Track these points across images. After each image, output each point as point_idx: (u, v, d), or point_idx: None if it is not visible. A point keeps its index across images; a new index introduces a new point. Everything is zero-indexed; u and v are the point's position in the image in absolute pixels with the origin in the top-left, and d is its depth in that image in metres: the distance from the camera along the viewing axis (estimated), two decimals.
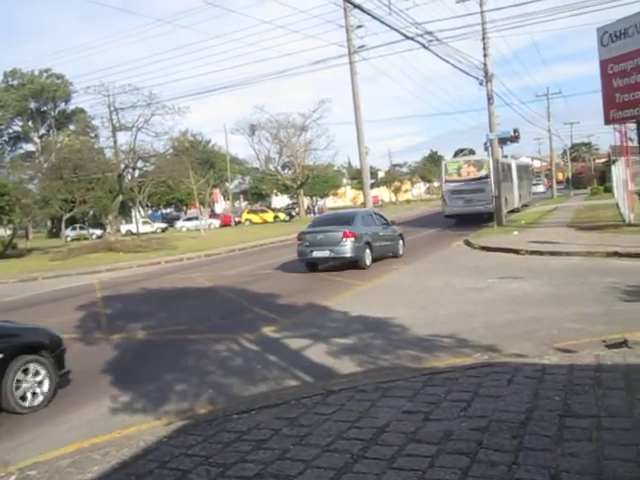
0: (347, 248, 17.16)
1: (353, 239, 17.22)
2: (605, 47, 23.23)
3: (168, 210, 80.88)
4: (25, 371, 7.09)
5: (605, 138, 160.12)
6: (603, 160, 79.51)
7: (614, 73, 22.89)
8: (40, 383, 7.22)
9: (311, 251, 17.62)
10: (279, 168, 65.45)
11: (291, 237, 35.02)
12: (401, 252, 20.25)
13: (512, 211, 36.41)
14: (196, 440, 5.16)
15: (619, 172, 28.00)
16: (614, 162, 33.89)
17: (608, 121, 24.06)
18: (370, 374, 7.17)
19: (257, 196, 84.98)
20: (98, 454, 5.14)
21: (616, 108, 23.01)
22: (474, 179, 31.76)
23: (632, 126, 26.95)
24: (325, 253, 17.39)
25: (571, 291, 11.43)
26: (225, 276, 18.62)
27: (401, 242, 20.54)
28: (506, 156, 47.02)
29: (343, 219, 18.77)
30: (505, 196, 31.94)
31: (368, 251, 17.77)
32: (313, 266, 18.14)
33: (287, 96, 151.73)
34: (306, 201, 75.14)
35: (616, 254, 15.32)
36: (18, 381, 6.98)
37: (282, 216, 61.34)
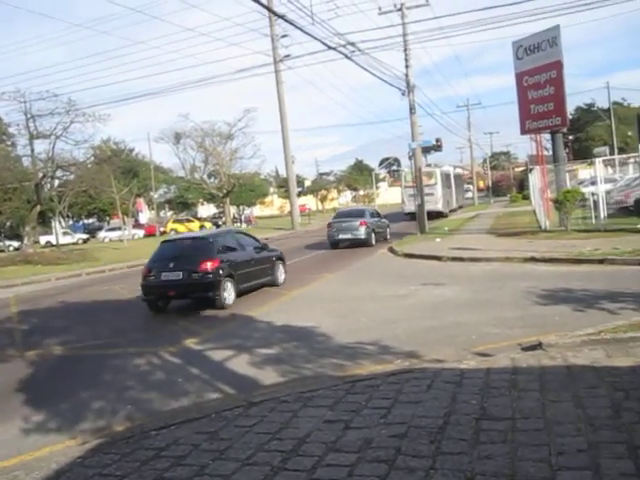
0: (362, 232, 25.41)
1: (365, 226, 25.61)
2: (520, 60, 24.20)
3: (90, 220, 78.56)
4: None
5: (523, 147, 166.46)
6: (521, 169, 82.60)
7: (529, 85, 23.87)
8: None
9: (338, 235, 25.84)
10: (205, 177, 64.70)
11: None
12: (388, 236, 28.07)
13: (452, 210, 48.17)
14: (112, 459, 4.98)
15: (535, 180, 29.14)
16: (531, 171, 35.28)
17: (524, 131, 25.06)
18: (293, 384, 7.14)
19: (183, 205, 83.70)
20: (5, 479, 4.88)
21: (531, 119, 23.99)
22: (426, 185, 36.37)
23: (547, 136, 28.16)
24: (347, 235, 25.69)
25: (490, 296, 11.75)
26: None
27: (388, 229, 28.84)
28: (430, 165, 50.15)
29: (357, 213, 27.43)
30: (447, 199, 45.43)
31: (373, 235, 26.00)
32: (337, 245, 26.08)
33: (213, 104, 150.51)
34: (232, 210, 74.59)
35: (533, 259, 15.87)
36: None
37: (208, 225, 60.69)
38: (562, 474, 3.94)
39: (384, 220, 28.85)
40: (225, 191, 58.62)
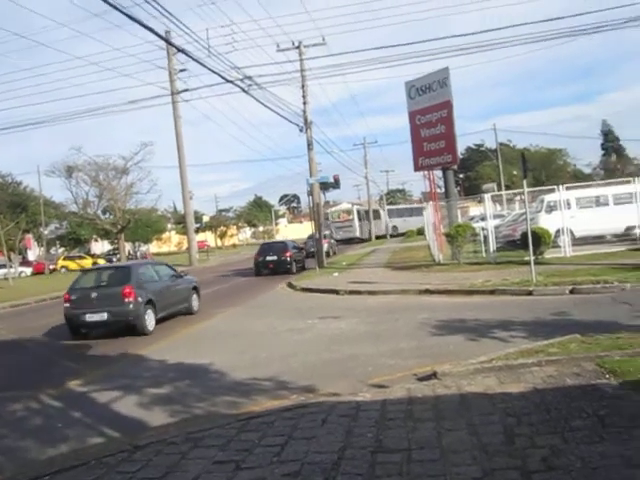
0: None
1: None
2: (413, 100, 25.05)
3: None
4: None
5: (417, 185, 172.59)
6: (416, 205, 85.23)
7: (421, 124, 24.70)
8: None
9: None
10: (99, 212, 62.50)
11: None
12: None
13: (380, 237, 65.89)
14: None
15: (429, 216, 30.05)
16: (425, 207, 36.41)
17: (417, 168, 25.82)
18: (183, 424, 6.75)
19: (75, 242, 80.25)
20: None
21: (424, 156, 24.77)
22: (346, 220, 61.71)
23: (440, 173, 29.16)
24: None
25: (386, 328, 11.78)
26: (32, 327, 17.01)
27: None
28: (328, 201, 53.83)
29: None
30: (365, 229, 63.95)
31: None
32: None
33: (108, 137, 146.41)
34: (128, 247, 72.31)
35: (428, 291, 16.17)
36: None
37: (102, 262, 58.38)
38: None
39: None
40: (120, 227, 56.77)
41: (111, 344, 12.93)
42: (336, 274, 24.06)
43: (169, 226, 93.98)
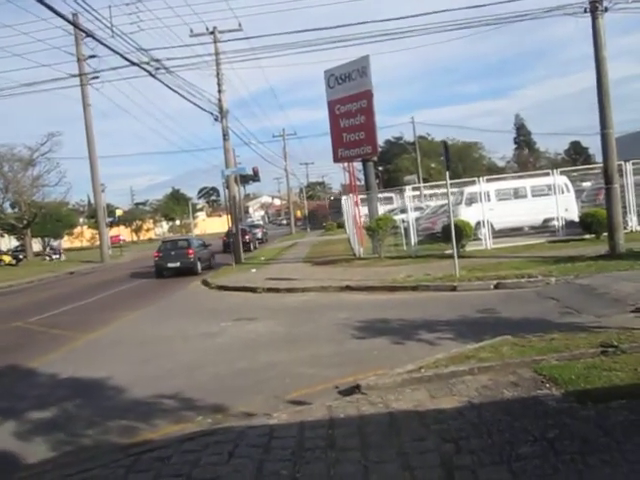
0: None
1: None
2: (332, 89, 24.29)
3: None
4: None
5: (337, 177, 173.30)
6: (336, 197, 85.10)
7: (341, 114, 23.98)
8: None
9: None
10: (6, 206, 58.71)
11: (19, 282, 31.07)
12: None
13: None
14: None
15: (349, 208, 29.47)
16: (345, 199, 35.88)
17: (337, 159, 25.10)
18: (64, 460, 5.67)
19: None
20: None
21: (344, 147, 24.07)
22: None
23: (360, 166, 28.62)
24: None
25: (305, 330, 10.95)
26: None
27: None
28: (248, 194, 50.74)
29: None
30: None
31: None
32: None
33: (11, 128, 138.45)
34: (38, 242, 68.61)
35: (348, 288, 15.46)
36: None
37: (7, 259, 54.91)
38: None
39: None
40: (26, 222, 53.59)
41: (1, 355, 11.49)
42: (254, 270, 23.08)
43: (81, 220, 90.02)
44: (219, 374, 8.41)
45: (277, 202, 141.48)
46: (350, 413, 5.75)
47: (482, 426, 5.04)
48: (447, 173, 15.27)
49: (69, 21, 20.64)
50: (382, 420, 5.48)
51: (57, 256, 55.82)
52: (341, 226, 48.48)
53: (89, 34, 19.64)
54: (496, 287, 13.27)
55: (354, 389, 6.63)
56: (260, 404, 6.76)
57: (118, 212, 72.63)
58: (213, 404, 6.95)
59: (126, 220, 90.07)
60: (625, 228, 17.94)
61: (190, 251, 26.57)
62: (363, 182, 29.88)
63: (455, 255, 15.00)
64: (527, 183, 23.21)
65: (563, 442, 4.55)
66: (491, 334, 8.42)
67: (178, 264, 26.05)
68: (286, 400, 6.80)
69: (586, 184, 26.36)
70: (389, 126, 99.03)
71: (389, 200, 39.33)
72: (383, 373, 7.00)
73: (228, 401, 7.00)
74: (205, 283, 20.78)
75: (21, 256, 57.69)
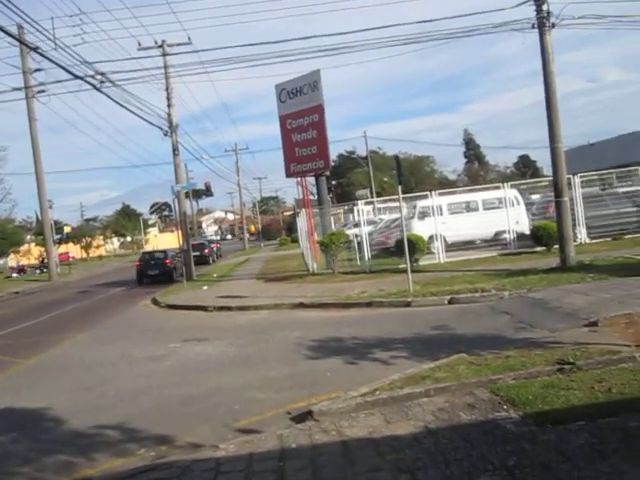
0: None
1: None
2: (283, 103, 24.12)
3: None
4: None
5: (291, 192, 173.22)
6: (290, 212, 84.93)
7: (293, 128, 23.81)
8: None
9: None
10: None
11: None
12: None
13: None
14: None
15: (302, 223, 29.22)
16: (298, 214, 35.64)
17: (289, 174, 24.88)
18: None
19: None
20: None
21: (296, 162, 23.90)
22: None
23: (313, 181, 28.44)
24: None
25: (256, 350, 10.60)
26: None
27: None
28: (201, 209, 50.33)
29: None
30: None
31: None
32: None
33: None
34: None
35: (302, 305, 15.17)
36: None
37: None
38: None
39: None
40: None
41: None
42: (205, 287, 22.56)
43: (28, 237, 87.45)
44: (164, 400, 8.00)
45: (230, 217, 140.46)
46: (302, 442, 5.45)
47: (439, 454, 4.80)
48: (399, 187, 15.17)
49: (15, 37, 19.94)
50: (335, 450, 5.20)
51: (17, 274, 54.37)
52: (295, 240, 48.22)
53: (33, 49, 19.01)
54: (450, 302, 13.16)
55: (306, 415, 6.33)
56: (207, 433, 6.40)
57: (66, 229, 70.81)
58: (157, 435, 6.55)
59: (75, 237, 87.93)
60: (575, 240, 18.14)
61: (167, 260, 30.58)
62: (317, 197, 29.72)
63: (409, 270, 14.87)
64: (478, 196, 23.36)
65: (523, 470, 4.34)
66: (446, 352, 8.25)
67: (157, 271, 30.07)
68: (235, 428, 6.45)
69: (535, 197, 26.74)
70: (341, 140, 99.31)
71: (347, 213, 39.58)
72: (336, 397, 6.72)
73: (173, 431, 6.61)
74: (155, 302, 20.19)
75: None
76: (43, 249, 71.57)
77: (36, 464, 6.18)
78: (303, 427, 5.94)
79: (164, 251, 33.25)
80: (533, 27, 15.89)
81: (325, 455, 5.11)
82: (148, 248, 79.79)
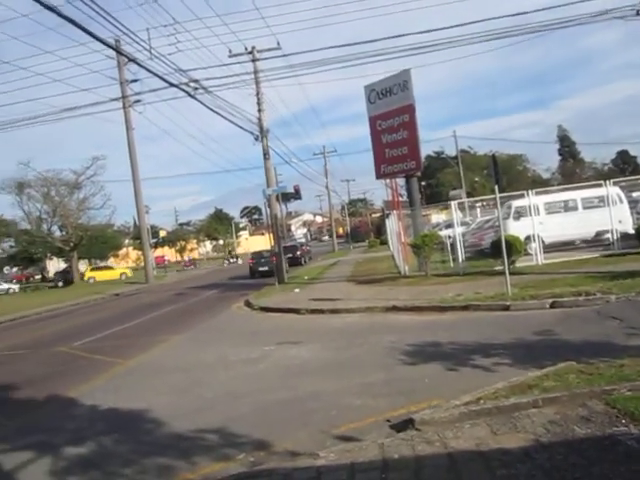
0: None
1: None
2: (373, 104, 23.88)
3: None
4: None
5: (379, 194, 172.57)
6: (378, 214, 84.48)
7: (383, 129, 23.53)
8: None
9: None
10: (54, 229, 59.76)
11: (60, 306, 31.47)
12: None
13: None
14: None
15: (392, 225, 28.90)
16: (387, 216, 35.34)
17: (379, 175, 24.60)
18: None
19: (29, 261, 77.11)
20: None
21: (386, 163, 23.59)
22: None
23: (402, 182, 28.09)
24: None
25: (350, 355, 10.45)
26: None
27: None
28: (290, 212, 51.77)
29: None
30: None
31: None
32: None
33: (58, 152, 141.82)
34: (84, 264, 69.71)
35: (395, 308, 14.91)
36: None
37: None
38: None
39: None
40: (72, 244, 54.43)
41: (39, 383, 11.26)
42: (297, 290, 22.67)
43: (126, 241, 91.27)
44: (261, 405, 7.97)
45: (319, 219, 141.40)
46: (405, 453, 5.23)
47: (555, 472, 4.47)
48: (497, 187, 14.67)
49: (113, 48, 20.76)
50: (441, 463, 4.95)
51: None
52: (384, 243, 47.83)
53: (132, 59, 19.71)
54: (552, 306, 12.53)
55: (407, 424, 6.11)
56: (305, 439, 6.29)
57: (162, 233, 73.47)
58: (255, 439, 6.50)
59: (170, 240, 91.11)
60: None
61: (274, 259, 32.38)
62: (406, 197, 29.32)
63: (507, 272, 14.31)
64: (577, 195, 22.30)
65: None
66: (552, 359, 7.80)
67: (266, 268, 35.41)
68: (333, 435, 6.31)
69: (637, 194, 25.36)
70: (429, 141, 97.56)
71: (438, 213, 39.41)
72: (438, 405, 6.46)
73: (271, 436, 6.54)
74: (248, 304, 20.45)
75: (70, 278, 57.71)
76: (140, 252, 74.58)
77: (137, 466, 6.26)
78: (405, 436, 5.72)
79: (270, 250, 36.70)
80: (638, 14, 15.00)
81: (430, 468, 4.88)
82: (239, 250, 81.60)
